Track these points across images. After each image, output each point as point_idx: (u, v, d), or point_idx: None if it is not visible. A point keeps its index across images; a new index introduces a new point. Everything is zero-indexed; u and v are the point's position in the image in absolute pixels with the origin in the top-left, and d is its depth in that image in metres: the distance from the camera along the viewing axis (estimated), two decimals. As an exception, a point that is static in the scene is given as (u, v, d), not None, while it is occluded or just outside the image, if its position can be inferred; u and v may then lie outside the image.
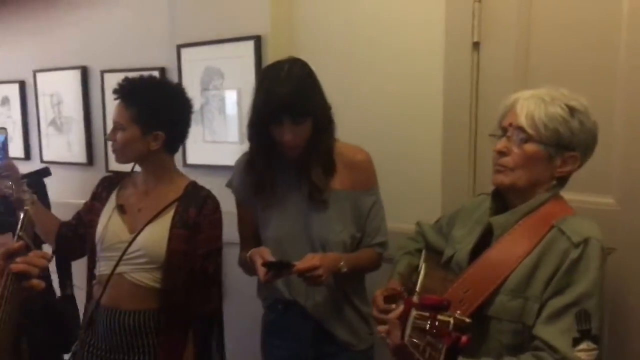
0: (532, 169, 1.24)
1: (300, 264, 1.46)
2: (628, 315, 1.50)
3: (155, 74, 2.40)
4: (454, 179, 1.87)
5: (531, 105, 1.23)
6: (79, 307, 2.13)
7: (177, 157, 1.85)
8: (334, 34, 2.09)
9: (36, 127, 3.12)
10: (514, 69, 1.72)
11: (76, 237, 1.80)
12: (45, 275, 2.25)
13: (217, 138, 2.36)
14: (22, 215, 1.13)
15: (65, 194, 2.70)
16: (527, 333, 1.18)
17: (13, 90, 3.19)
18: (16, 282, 1.03)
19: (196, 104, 1.92)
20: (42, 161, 3.09)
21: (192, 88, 2.27)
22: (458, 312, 1.02)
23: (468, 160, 1.83)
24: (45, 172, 1.83)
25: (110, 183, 1.81)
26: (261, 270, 1.47)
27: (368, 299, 1.69)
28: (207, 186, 1.77)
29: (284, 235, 1.61)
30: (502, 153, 1.26)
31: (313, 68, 1.58)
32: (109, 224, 1.69)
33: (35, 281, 1.06)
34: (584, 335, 1.13)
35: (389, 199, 1.75)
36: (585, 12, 1.61)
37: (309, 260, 1.47)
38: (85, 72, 2.86)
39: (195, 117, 1.80)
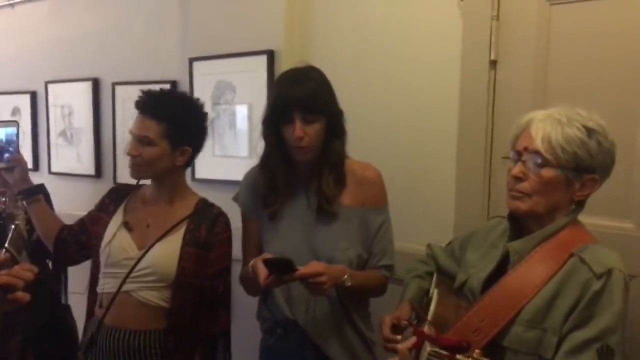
0: (550, 195, 1.19)
1: (303, 269, 1.40)
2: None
3: (167, 87, 2.40)
4: (468, 199, 1.83)
5: (547, 127, 1.17)
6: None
7: (187, 171, 1.81)
8: (347, 49, 2.07)
9: (45, 138, 3.11)
10: (532, 88, 1.69)
11: (75, 243, 1.76)
12: (51, 286, 2.26)
13: (227, 152, 2.34)
14: (11, 229, 1.11)
15: (73, 205, 2.67)
16: None
17: (24, 101, 3.19)
18: None
19: (207, 117, 1.89)
20: (50, 172, 3.08)
21: (203, 102, 2.23)
22: (476, 351, 0.98)
23: (483, 180, 1.79)
24: (41, 188, 1.81)
25: (118, 195, 1.77)
26: (262, 271, 1.39)
27: (373, 325, 1.63)
28: (216, 201, 1.74)
29: (288, 251, 1.55)
30: (518, 178, 1.21)
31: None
32: (116, 239, 1.65)
33: (19, 294, 1.04)
34: None
35: (400, 218, 1.71)
36: (605, 29, 1.58)
37: (313, 266, 1.42)
38: (96, 84, 2.86)
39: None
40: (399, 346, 1.16)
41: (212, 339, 1.65)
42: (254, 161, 1.67)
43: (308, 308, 1.56)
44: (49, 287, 2.33)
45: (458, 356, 0.91)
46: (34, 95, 3.16)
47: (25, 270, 1.06)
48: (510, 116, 1.71)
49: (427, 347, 1.00)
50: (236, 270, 1.71)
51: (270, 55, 2.15)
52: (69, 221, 1.84)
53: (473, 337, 1.14)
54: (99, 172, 2.88)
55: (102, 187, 1.94)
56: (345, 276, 1.47)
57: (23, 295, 1.04)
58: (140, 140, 1.61)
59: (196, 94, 2.34)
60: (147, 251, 1.60)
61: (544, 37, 1.67)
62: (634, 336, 1.40)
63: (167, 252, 1.60)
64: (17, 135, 1.71)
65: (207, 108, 2.26)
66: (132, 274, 1.59)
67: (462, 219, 1.84)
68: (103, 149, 2.88)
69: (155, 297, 1.60)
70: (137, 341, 1.59)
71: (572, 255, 1.16)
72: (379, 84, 2.01)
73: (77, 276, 1.92)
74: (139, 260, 1.59)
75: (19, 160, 1.70)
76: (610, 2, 1.57)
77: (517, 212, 1.24)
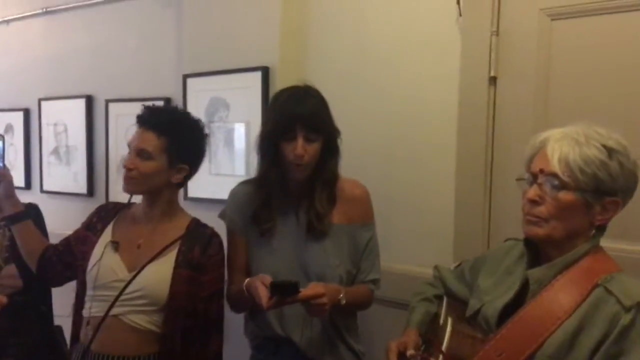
0: (568, 220, 1.12)
1: (306, 291, 1.39)
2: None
3: (161, 103, 2.37)
4: (468, 218, 1.78)
5: (564, 148, 1.10)
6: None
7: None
8: (344, 65, 2.03)
9: (38, 156, 3.06)
10: (533, 105, 1.65)
11: (59, 263, 1.69)
12: (42, 307, 2.19)
13: (221, 171, 2.29)
14: None
15: (64, 224, 2.59)
16: None
17: (17, 118, 3.15)
18: None
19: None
20: (42, 191, 3.02)
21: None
22: None
23: (483, 200, 1.75)
24: (33, 210, 1.75)
25: (107, 214, 1.71)
26: (264, 294, 1.36)
27: (361, 337, 1.66)
28: (209, 221, 1.69)
29: (279, 269, 1.54)
30: (534, 202, 1.14)
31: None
32: (104, 260, 1.58)
33: None
34: None
35: (397, 238, 1.68)
36: (608, 43, 1.54)
37: (314, 287, 1.41)
38: (90, 101, 2.82)
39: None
40: None
41: None
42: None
43: (301, 326, 1.55)
44: (40, 307, 2.27)
45: None
46: (27, 113, 3.12)
47: None
48: (510, 133, 1.69)
49: None
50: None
51: (265, 71, 2.11)
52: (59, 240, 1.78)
53: None
54: (91, 191, 2.83)
55: (95, 206, 1.88)
56: (341, 295, 1.47)
57: None
58: (138, 153, 1.57)
59: (190, 111, 2.29)
60: (137, 273, 1.54)
61: (545, 52, 1.63)
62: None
63: (159, 274, 1.54)
64: (3, 149, 1.67)
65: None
66: (122, 297, 1.53)
67: (462, 239, 1.79)
68: (96, 167, 2.83)
69: (146, 321, 1.54)
70: None
71: (596, 285, 1.09)
72: (376, 100, 1.97)
73: (61, 298, 1.85)
74: (129, 282, 1.53)
75: (3, 175, 1.64)
76: (613, 16, 1.54)
77: (534, 238, 1.17)
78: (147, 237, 1.61)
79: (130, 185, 1.59)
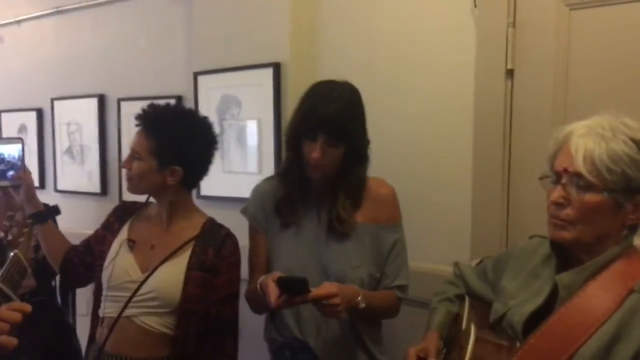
0: (597, 222, 1.04)
1: (317, 290, 1.33)
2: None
3: (172, 102, 2.35)
4: (485, 214, 1.74)
5: (589, 144, 1.02)
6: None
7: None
8: (356, 59, 1.99)
9: (52, 156, 3.07)
10: (551, 98, 1.61)
11: (81, 264, 1.69)
12: (57, 307, 2.19)
13: (234, 169, 2.27)
14: (9, 259, 0.98)
15: (78, 224, 2.61)
16: None
17: (31, 118, 3.16)
18: None
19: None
20: (56, 190, 3.03)
21: (208, 117, 2.17)
22: None
23: (501, 195, 1.71)
24: (55, 211, 1.73)
25: (124, 213, 1.70)
26: (273, 291, 1.32)
27: (386, 348, 1.58)
28: (223, 219, 1.67)
29: (297, 267, 1.49)
30: (559, 204, 1.06)
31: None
32: (117, 260, 1.57)
33: (4, 338, 0.90)
34: None
35: (413, 235, 1.64)
36: (629, 34, 1.49)
37: (327, 287, 1.35)
38: (102, 100, 2.82)
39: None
40: None
41: None
42: (264, 177, 1.62)
43: (319, 330, 1.50)
44: (55, 307, 2.27)
45: None
46: (40, 113, 3.13)
47: (15, 309, 0.93)
48: (528, 127, 1.65)
49: None
50: (243, 289, 1.63)
51: (277, 68, 2.08)
52: (74, 240, 1.78)
53: None
54: (104, 190, 2.84)
55: (108, 205, 1.88)
56: (359, 297, 1.40)
57: (8, 340, 0.90)
58: (132, 154, 1.58)
59: (201, 109, 2.29)
60: (150, 274, 1.52)
61: (564, 44, 1.58)
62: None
63: (172, 276, 1.52)
64: (22, 152, 1.65)
65: (213, 123, 2.21)
66: (134, 299, 1.51)
67: (479, 235, 1.75)
68: (109, 165, 2.83)
69: (158, 323, 1.52)
70: None
71: (632, 291, 1.01)
72: (390, 96, 1.93)
73: (84, 297, 1.85)
74: (141, 284, 1.52)
75: (24, 178, 1.62)
76: (634, 5, 1.49)
77: (561, 242, 1.10)
78: (160, 237, 1.59)
79: (129, 185, 1.62)
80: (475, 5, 1.72)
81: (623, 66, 1.51)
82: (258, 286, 1.42)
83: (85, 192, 2.89)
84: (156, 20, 2.58)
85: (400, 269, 1.54)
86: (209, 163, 1.65)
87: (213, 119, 2.24)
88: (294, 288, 1.33)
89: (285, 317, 1.52)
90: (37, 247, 1.69)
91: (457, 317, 1.33)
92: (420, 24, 1.86)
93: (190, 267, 1.53)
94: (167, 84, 2.51)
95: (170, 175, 1.56)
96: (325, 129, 1.41)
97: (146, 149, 1.55)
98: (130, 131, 2.66)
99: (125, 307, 1.51)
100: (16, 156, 1.63)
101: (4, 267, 0.97)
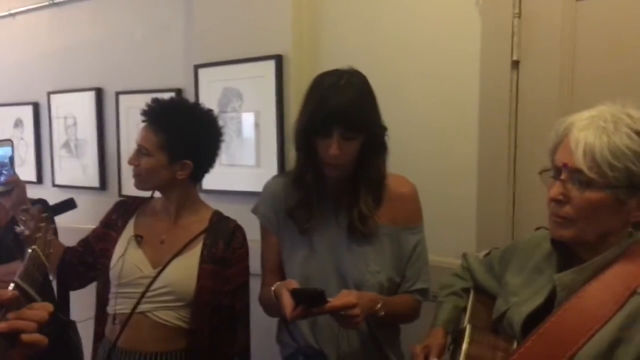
0: (599, 219, 1.00)
1: (334, 300, 1.26)
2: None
3: (172, 95, 2.32)
4: (491, 206, 1.74)
5: (589, 138, 0.97)
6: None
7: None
8: (359, 51, 1.97)
9: (49, 150, 3.04)
10: (558, 89, 1.59)
11: (81, 265, 1.66)
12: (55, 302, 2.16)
13: (234, 162, 2.25)
14: (27, 255, 0.94)
15: (76, 218, 2.56)
16: None
17: (27, 112, 3.12)
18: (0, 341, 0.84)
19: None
20: (54, 185, 3.00)
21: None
22: None
23: (507, 187, 1.70)
24: (71, 204, 1.68)
25: (127, 210, 1.69)
26: (288, 302, 1.24)
27: (403, 353, 1.52)
28: (225, 213, 1.67)
29: (312, 272, 1.44)
30: (558, 201, 1.02)
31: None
32: (127, 257, 1.56)
33: (28, 337, 0.86)
34: None
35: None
36: (636, 22, 1.48)
37: (345, 296, 1.27)
38: (100, 94, 2.78)
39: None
40: None
41: (232, 358, 1.58)
42: (261, 170, 1.58)
43: (335, 338, 1.43)
44: (52, 303, 2.24)
45: None
46: (36, 107, 3.09)
47: (39, 309, 0.89)
48: (534, 119, 1.64)
49: None
50: (254, 285, 1.61)
51: (279, 60, 2.06)
52: (73, 235, 1.75)
53: None
54: (103, 184, 2.80)
55: (107, 200, 1.86)
56: (379, 305, 1.34)
57: (39, 338, 0.86)
58: (139, 149, 1.57)
59: (202, 102, 2.26)
60: (162, 269, 1.53)
61: (570, 34, 1.57)
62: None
63: (185, 269, 1.53)
64: (12, 155, 1.58)
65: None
66: (148, 294, 1.52)
67: (485, 227, 1.75)
68: (107, 160, 2.80)
69: (173, 317, 1.53)
70: None
71: (634, 292, 0.97)
72: (394, 88, 1.91)
73: (79, 297, 1.82)
74: (154, 278, 1.52)
75: (17, 181, 1.56)
76: (641, -5, 1.48)
77: (562, 239, 1.06)
78: (169, 232, 1.59)
79: (137, 181, 1.60)
80: (480, -4, 1.71)
81: (630, 57, 1.50)
82: (272, 293, 1.34)
83: (84, 187, 2.86)
84: (155, 11, 2.54)
85: (421, 271, 1.48)
86: (216, 155, 1.65)
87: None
88: (310, 299, 1.26)
89: (300, 324, 1.45)
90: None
91: (463, 312, 1.31)
92: (424, 14, 1.84)
93: (202, 260, 1.54)
94: (167, 77, 2.48)
95: (180, 169, 1.56)
96: (340, 121, 1.31)
97: (155, 144, 1.54)
98: (129, 125, 2.67)
99: (138, 302, 1.51)
100: (6, 159, 1.55)
101: (23, 265, 0.93)
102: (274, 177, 1.60)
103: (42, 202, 1.98)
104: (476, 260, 1.38)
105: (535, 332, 1.02)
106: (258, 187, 1.65)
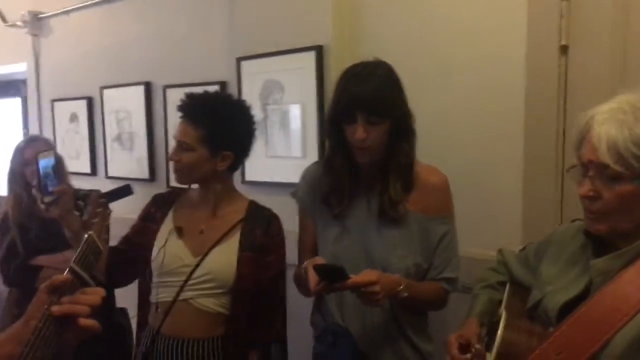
0: (632, 210, 1.01)
1: (356, 277, 1.32)
2: None
3: (216, 88, 2.37)
4: (537, 201, 1.69)
5: (611, 131, 0.97)
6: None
7: (236, 173, 1.76)
8: (400, 43, 1.94)
9: (102, 143, 3.16)
10: (609, 76, 1.53)
11: (126, 262, 1.69)
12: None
13: (278, 153, 2.27)
14: (82, 242, 0.96)
15: (126, 209, 2.67)
16: None
17: (81, 107, 3.26)
18: (54, 325, 0.86)
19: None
20: (107, 177, 3.12)
21: (251, 102, 2.18)
22: None
23: (555, 181, 1.65)
24: (128, 191, 1.71)
25: (164, 202, 1.73)
26: (312, 277, 1.33)
27: (431, 335, 1.55)
28: (268, 204, 1.70)
29: (342, 252, 1.49)
30: (590, 197, 1.03)
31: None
32: (168, 247, 1.61)
33: (85, 321, 0.88)
34: None
35: (463, 221, 1.58)
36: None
37: (367, 274, 1.34)
38: (148, 88, 2.87)
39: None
40: None
41: (267, 345, 1.62)
42: (308, 161, 1.60)
43: (361, 316, 1.49)
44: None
45: None
46: (90, 101, 3.21)
47: (92, 293, 0.90)
48: (584, 108, 1.51)
49: None
50: (290, 275, 1.65)
51: (319, 51, 2.06)
52: (120, 225, 1.81)
53: None
54: (152, 176, 2.89)
55: (157, 190, 1.90)
56: (401, 287, 1.38)
57: (92, 323, 0.88)
58: (179, 145, 1.59)
59: (244, 94, 2.30)
60: (203, 257, 1.57)
61: (622, 17, 1.50)
62: None
63: (225, 257, 1.57)
64: (56, 164, 1.58)
65: (256, 108, 2.22)
66: (190, 282, 1.56)
67: (531, 222, 1.70)
68: (156, 152, 2.88)
69: (214, 303, 1.57)
70: (198, 349, 1.56)
71: None
72: (437, 77, 1.88)
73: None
74: (195, 267, 1.56)
75: (62, 191, 1.51)
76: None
77: (598, 233, 1.07)
78: (208, 222, 1.63)
79: (179, 177, 1.63)
80: (527, -21, 1.65)
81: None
82: (302, 270, 1.43)
83: (135, 178, 2.95)
84: (198, 7, 2.59)
85: (449, 261, 1.50)
86: (252, 144, 1.67)
87: (256, 104, 2.26)
88: (333, 275, 1.32)
89: (328, 302, 1.53)
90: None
91: (499, 305, 1.30)
92: (467, 4, 1.79)
93: (241, 248, 1.58)
94: (211, 70, 2.52)
95: (221, 161, 1.59)
96: (363, 107, 1.37)
97: (195, 138, 1.56)
98: (175, 117, 2.72)
99: (181, 290, 1.56)
100: (51, 170, 1.55)
101: (78, 250, 0.97)
102: (313, 163, 1.65)
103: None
104: (512, 254, 1.39)
105: (571, 317, 1.03)
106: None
